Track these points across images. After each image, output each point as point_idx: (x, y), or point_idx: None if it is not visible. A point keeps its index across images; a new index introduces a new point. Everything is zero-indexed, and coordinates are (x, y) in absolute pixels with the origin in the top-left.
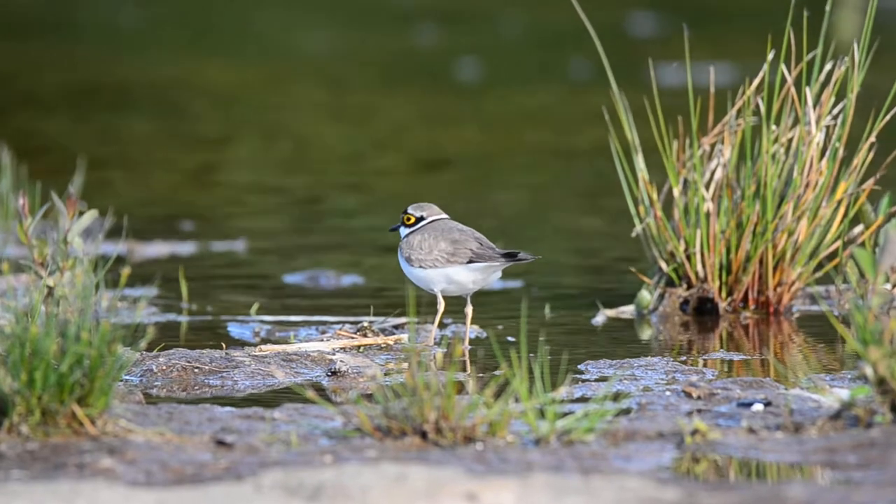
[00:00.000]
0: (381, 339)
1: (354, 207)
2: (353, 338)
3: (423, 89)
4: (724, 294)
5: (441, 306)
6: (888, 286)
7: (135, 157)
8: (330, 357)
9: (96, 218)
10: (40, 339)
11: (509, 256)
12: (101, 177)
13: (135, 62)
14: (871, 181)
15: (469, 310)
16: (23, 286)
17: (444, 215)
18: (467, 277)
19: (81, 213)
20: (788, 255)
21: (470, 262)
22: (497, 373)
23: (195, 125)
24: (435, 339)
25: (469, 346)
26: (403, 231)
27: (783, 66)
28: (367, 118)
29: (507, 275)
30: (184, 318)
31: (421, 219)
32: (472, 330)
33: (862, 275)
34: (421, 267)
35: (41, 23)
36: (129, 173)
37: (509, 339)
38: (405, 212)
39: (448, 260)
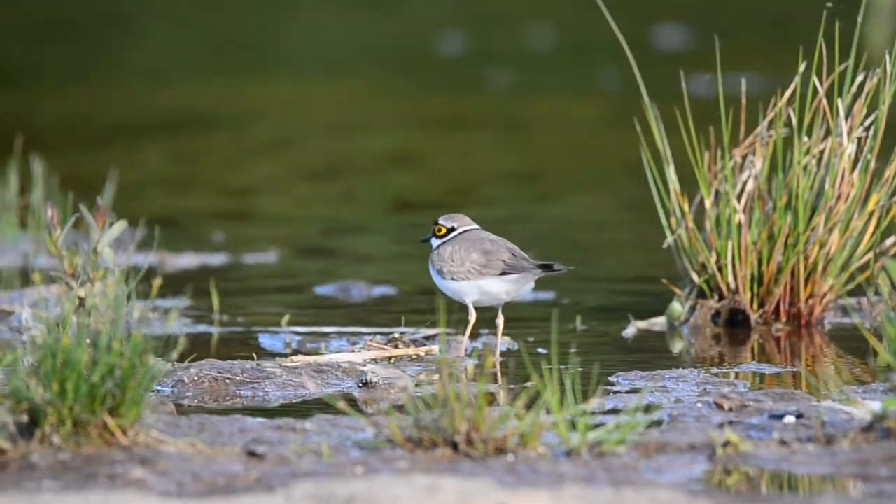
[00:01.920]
0: (412, 351)
1: (385, 218)
2: (384, 349)
3: (452, 97)
4: (755, 306)
5: (472, 317)
6: None
7: (165, 170)
8: (361, 368)
9: (127, 229)
10: (72, 349)
11: (544, 267)
12: (133, 188)
13: (163, 83)
14: None
15: (500, 321)
16: (54, 297)
17: (475, 226)
18: (500, 289)
19: (111, 224)
20: (820, 267)
21: (503, 273)
22: (528, 384)
23: (225, 140)
24: (466, 350)
25: (500, 358)
26: (434, 242)
27: (815, 78)
28: (396, 128)
29: (538, 286)
30: (215, 329)
31: (452, 230)
32: (503, 342)
33: (894, 286)
34: (453, 279)
35: (78, 30)
36: (159, 185)
37: (540, 350)
38: (436, 223)
39: (480, 272)
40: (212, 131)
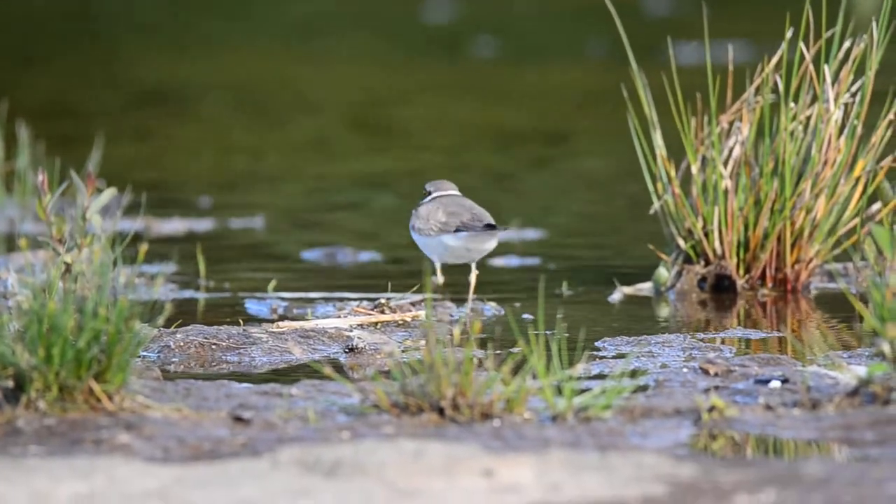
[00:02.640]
0: (398, 316)
1: (372, 182)
2: (370, 314)
3: (438, 64)
4: (741, 271)
5: (439, 279)
6: None
7: (153, 134)
8: (347, 334)
9: (115, 195)
10: (58, 315)
11: (488, 227)
12: (120, 153)
13: (160, 55)
14: (889, 158)
15: (473, 277)
16: (41, 262)
17: (455, 191)
18: (457, 244)
19: (100, 191)
20: (806, 233)
21: (457, 230)
22: (514, 350)
23: (218, 109)
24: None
25: (471, 313)
26: (420, 203)
27: (802, 44)
28: (386, 97)
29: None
30: (201, 295)
31: (434, 190)
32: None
33: (880, 252)
34: (420, 234)
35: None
36: (147, 150)
37: (526, 316)
38: (424, 188)
39: (441, 229)
40: (187, 103)
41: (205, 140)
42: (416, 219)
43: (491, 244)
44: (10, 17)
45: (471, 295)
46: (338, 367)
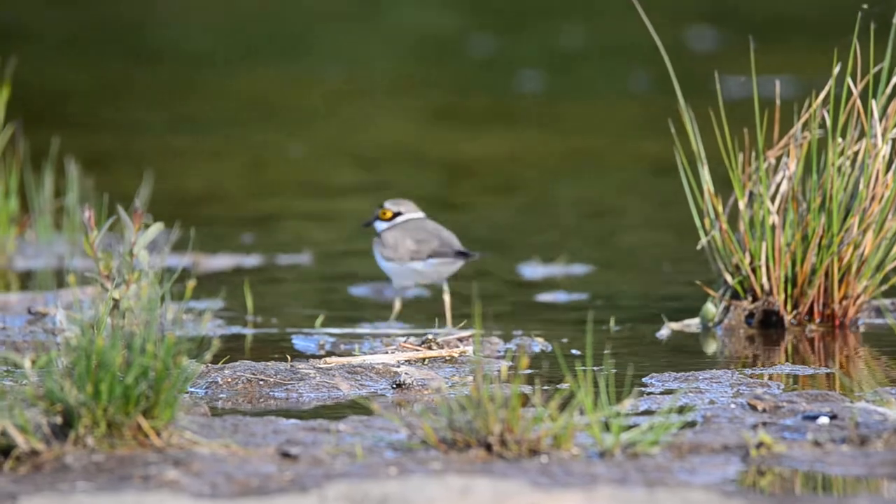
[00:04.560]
0: (445, 352)
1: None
2: (417, 350)
3: (484, 100)
4: (789, 307)
5: (397, 305)
6: None
7: (204, 170)
8: (395, 369)
9: (162, 230)
10: (106, 351)
11: (461, 255)
12: (168, 189)
13: (203, 78)
14: None
15: (447, 297)
16: (89, 298)
17: (420, 214)
18: (429, 270)
19: (147, 226)
20: (854, 268)
21: (429, 257)
22: (562, 385)
23: (263, 138)
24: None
25: (452, 331)
26: (380, 226)
27: (849, 79)
28: (429, 131)
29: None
30: (249, 331)
31: (398, 214)
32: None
33: None
34: (389, 261)
35: (113, 43)
36: (197, 187)
37: (574, 351)
38: (381, 206)
39: (413, 257)
40: (245, 128)
41: (253, 175)
42: (383, 247)
43: (455, 267)
44: (60, 50)
45: (449, 313)
46: (385, 403)
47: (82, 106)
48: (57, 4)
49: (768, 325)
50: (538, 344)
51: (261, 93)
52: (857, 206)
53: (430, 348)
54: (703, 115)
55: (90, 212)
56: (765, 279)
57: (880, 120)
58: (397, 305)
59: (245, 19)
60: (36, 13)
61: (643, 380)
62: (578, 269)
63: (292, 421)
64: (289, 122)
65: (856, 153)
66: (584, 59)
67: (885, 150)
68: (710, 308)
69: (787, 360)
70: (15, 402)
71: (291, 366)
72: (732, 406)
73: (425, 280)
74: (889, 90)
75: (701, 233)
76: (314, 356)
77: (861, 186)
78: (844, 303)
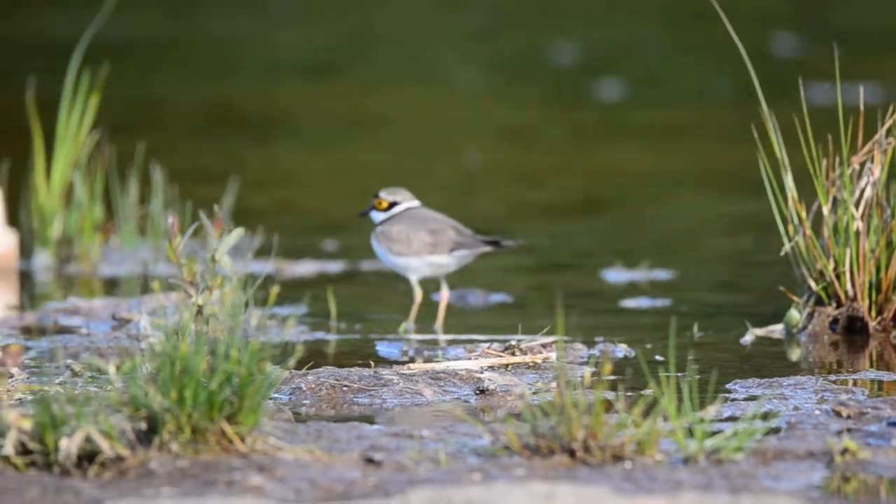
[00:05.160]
0: (529, 358)
1: (504, 226)
2: (501, 356)
3: (566, 108)
4: (873, 313)
5: (418, 297)
6: None
7: (286, 177)
8: (478, 375)
9: (245, 237)
10: (190, 357)
11: (492, 243)
12: (252, 196)
13: (285, 86)
14: None
15: (445, 292)
16: (173, 305)
17: (417, 202)
18: (449, 263)
19: (229, 232)
20: None
21: (452, 250)
22: (645, 392)
23: (351, 148)
24: (407, 329)
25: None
26: (377, 216)
27: None
28: (513, 139)
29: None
30: (332, 337)
31: (394, 204)
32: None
33: None
34: (400, 255)
35: (184, 45)
36: (280, 193)
37: (657, 357)
38: (376, 196)
39: (430, 251)
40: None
41: (336, 180)
42: (390, 241)
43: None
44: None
45: (443, 311)
46: (468, 409)
47: (172, 115)
48: (172, 18)
49: (852, 331)
50: (621, 350)
51: (344, 102)
52: None
53: (513, 354)
54: (786, 121)
55: (174, 218)
56: (849, 285)
57: None
58: (418, 296)
59: (329, 30)
60: (149, 25)
61: (727, 386)
62: (661, 274)
63: (376, 427)
64: (373, 132)
65: None
66: (666, 66)
67: None
68: (794, 314)
69: (871, 366)
70: (100, 408)
71: (375, 372)
72: (817, 412)
73: (438, 273)
74: None
75: (785, 239)
76: (397, 362)
77: None
78: None
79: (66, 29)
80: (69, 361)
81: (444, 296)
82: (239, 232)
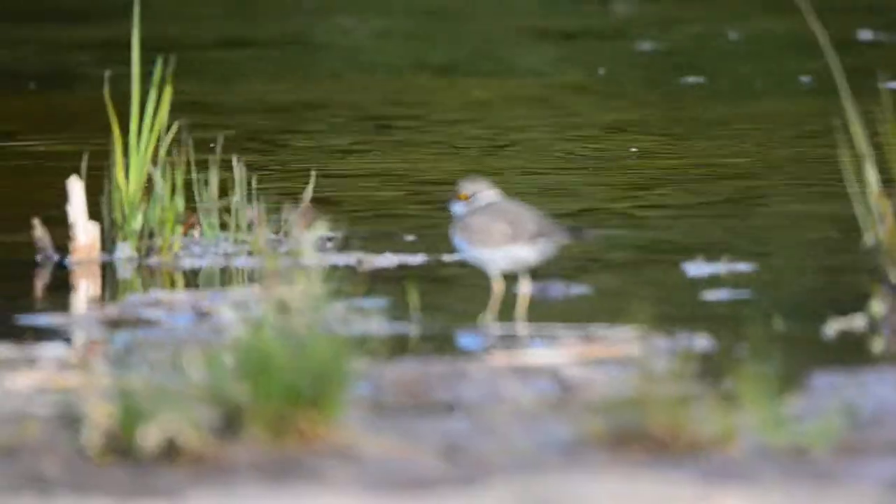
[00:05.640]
0: (610, 351)
1: (580, 213)
2: (582, 348)
3: (645, 96)
4: None
5: (498, 287)
6: None
7: (365, 171)
8: (559, 368)
9: (328, 229)
10: (272, 349)
11: (573, 232)
12: (335, 189)
13: (362, 79)
14: None
15: (526, 284)
16: (255, 297)
17: (498, 194)
18: (528, 254)
19: (313, 225)
20: None
21: (531, 241)
22: (727, 384)
23: (425, 140)
24: (488, 321)
25: (518, 319)
26: (458, 208)
27: None
28: (596, 130)
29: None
30: (413, 329)
31: (475, 196)
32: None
33: None
34: (479, 246)
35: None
36: (359, 186)
37: (738, 350)
38: (458, 188)
39: (509, 241)
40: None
41: (419, 175)
42: (468, 231)
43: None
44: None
45: (523, 305)
46: (549, 402)
47: (255, 109)
48: (267, 21)
49: None
50: (702, 342)
51: (431, 99)
52: None
53: (594, 346)
54: (869, 113)
55: (256, 210)
56: None
57: None
58: (499, 288)
59: (425, 29)
60: (248, 27)
61: (808, 378)
62: (742, 266)
63: (456, 419)
64: (459, 123)
65: None
66: (747, 58)
67: None
68: (877, 306)
69: None
70: (182, 400)
71: (456, 364)
72: None
73: (518, 266)
74: None
75: (867, 231)
76: (478, 354)
77: None
78: None
79: (158, 29)
80: (151, 354)
81: (525, 287)
82: (322, 224)
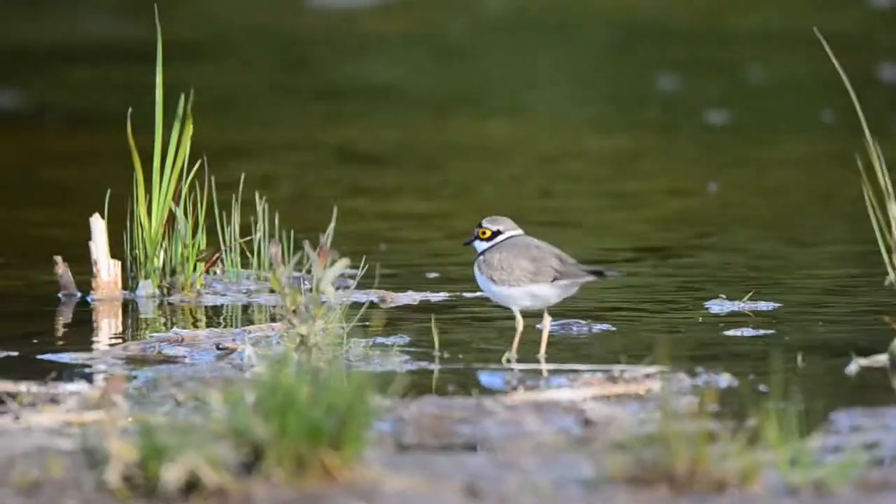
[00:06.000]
0: (632, 388)
1: (601, 255)
2: (604, 386)
3: (668, 133)
4: None
5: (520, 325)
6: None
7: (391, 207)
8: (581, 405)
9: (349, 267)
10: (293, 386)
11: (595, 273)
12: (355, 226)
13: (386, 117)
14: None
15: (547, 322)
16: (276, 334)
17: (520, 231)
18: (550, 293)
19: (333, 262)
20: None
21: (554, 279)
22: (749, 422)
23: (444, 177)
24: (510, 358)
25: (540, 356)
26: (480, 245)
27: None
28: (621, 165)
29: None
30: (435, 367)
31: (497, 233)
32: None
33: None
34: (504, 285)
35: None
36: (384, 223)
37: (761, 387)
38: (480, 225)
39: (531, 279)
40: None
41: (440, 211)
42: (490, 269)
43: (576, 289)
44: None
45: (545, 339)
46: (571, 439)
47: (273, 144)
48: (287, 69)
49: None
50: (724, 380)
51: (452, 134)
52: None
53: (616, 384)
54: (891, 150)
55: (277, 248)
56: None
57: None
58: (520, 326)
59: (432, 64)
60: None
61: (830, 416)
62: (764, 305)
63: (478, 457)
64: (480, 162)
65: None
66: (771, 95)
67: None
68: None
69: None
70: (203, 437)
71: (477, 402)
72: None
73: (540, 304)
74: None
75: (889, 268)
76: (500, 392)
77: None
78: None
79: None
80: (173, 391)
81: (547, 325)
82: (344, 262)
